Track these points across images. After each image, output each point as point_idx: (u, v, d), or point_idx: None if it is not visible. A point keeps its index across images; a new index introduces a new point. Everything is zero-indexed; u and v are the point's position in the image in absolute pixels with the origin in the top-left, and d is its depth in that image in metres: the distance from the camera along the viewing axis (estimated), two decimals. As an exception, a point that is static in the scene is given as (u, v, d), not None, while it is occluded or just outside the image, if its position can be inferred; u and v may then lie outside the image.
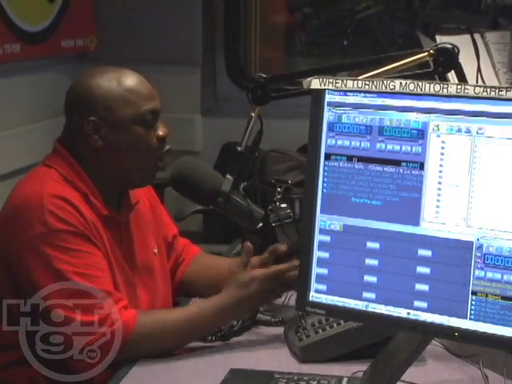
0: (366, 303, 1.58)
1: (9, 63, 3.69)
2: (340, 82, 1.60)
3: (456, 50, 2.12)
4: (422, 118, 1.52)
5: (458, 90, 1.48)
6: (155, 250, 2.25)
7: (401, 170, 1.54)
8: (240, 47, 4.73)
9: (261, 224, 2.32)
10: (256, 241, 2.45)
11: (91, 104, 2.04)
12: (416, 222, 1.52)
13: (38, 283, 1.90)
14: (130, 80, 2.07)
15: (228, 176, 2.25)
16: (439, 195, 1.50)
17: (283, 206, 2.43)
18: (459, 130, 1.48)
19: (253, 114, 2.27)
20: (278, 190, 2.48)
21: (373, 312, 1.57)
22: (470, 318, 1.47)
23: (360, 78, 1.64)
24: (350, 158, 1.59)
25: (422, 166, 1.52)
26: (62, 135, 2.12)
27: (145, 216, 2.25)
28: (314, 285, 1.62)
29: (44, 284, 1.90)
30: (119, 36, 4.41)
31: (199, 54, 4.50)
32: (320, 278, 1.62)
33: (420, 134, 1.52)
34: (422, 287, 1.51)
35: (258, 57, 4.79)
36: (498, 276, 1.44)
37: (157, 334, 1.95)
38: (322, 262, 1.62)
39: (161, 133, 2.09)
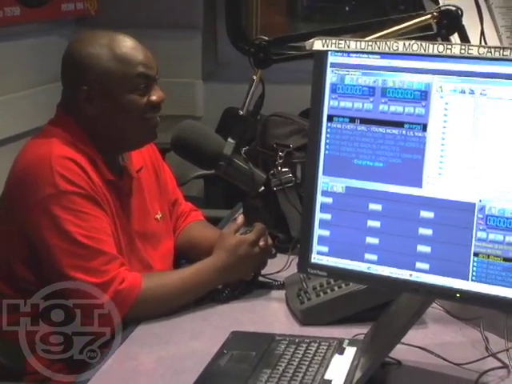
0: (368, 265, 1.57)
1: (9, 27, 3.67)
2: (343, 42, 1.59)
3: (460, 12, 2.11)
4: (426, 79, 1.50)
5: (462, 51, 1.46)
6: (158, 216, 2.25)
7: (403, 132, 1.53)
8: (241, 12, 4.71)
9: (262, 188, 2.32)
10: (257, 205, 2.45)
11: (83, 74, 2.02)
12: (418, 183, 1.51)
13: (49, 243, 1.92)
14: (122, 46, 2.03)
15: (230, 139, 2.25)
16: (442, 157, 1.49)
17: (285, 170, 2.42)
18: (463, 91, 1.47)
19: (255, 78, 2.26)
20: (280, 154, 2.47)
21: (375, 274, 1.57)
22: (472, 280, 1.47)
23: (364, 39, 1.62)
24: (352, 120, 1.58)
25: (424, 128, 1.51)
26: (61, 101, 2.11)
27: (148, 183, 2.25)
28: (315, 246, 1.62)
29: (54, 244, 1.91)
30: (120, 0, 4.38)
31: (200, 19, 4.48)
32: (322, 240, 1.61)
33: (423, 96, 1.51)
34: (424, 249, 1.51)
35: (259, 21, 4.77)
36: (499, 237, 1.44)
37: (159, 294, 1.97)
38: (323, 224, 1.61)
39: (154, 97, 2.06)
